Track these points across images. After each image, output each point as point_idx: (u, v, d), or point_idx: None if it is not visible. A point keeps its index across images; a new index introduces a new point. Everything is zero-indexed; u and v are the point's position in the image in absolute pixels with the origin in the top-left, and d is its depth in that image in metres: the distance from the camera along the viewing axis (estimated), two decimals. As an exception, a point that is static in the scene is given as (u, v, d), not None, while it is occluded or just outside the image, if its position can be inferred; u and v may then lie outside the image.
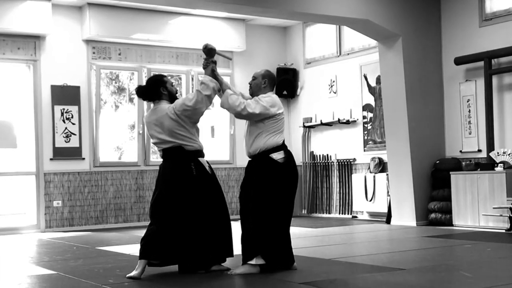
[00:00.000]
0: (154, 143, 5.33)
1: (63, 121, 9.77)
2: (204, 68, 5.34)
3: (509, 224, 7.93)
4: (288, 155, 5.27)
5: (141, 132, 10.41)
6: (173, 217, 5.11)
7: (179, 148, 5.15)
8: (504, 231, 7.94)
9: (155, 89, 5.25)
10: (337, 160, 10.88)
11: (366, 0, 8.72)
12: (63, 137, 9.76)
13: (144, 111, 10.37)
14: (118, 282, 4.92)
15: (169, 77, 5.54)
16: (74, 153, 9.81)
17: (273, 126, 5.24)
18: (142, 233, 8.09)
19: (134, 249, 6.83)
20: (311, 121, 11.34)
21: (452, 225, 8.70)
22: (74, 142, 9.82)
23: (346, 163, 10.73)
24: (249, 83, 5.46)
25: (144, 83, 5.62)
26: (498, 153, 8.38)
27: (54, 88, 9.76)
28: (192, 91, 8.69)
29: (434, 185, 9.18)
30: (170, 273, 5.27)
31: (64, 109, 9.79)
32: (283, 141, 5.31)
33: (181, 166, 5.16)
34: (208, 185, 5.24)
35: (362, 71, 10.48)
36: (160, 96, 5.25)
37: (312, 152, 11.38)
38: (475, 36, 8.96)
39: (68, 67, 9.91)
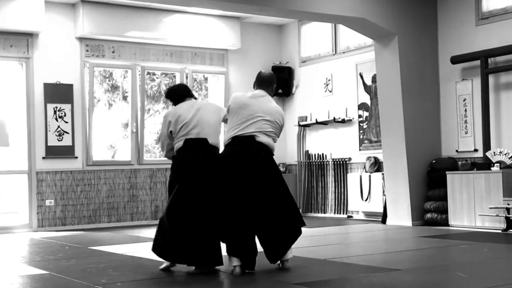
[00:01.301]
0: (183, 128, 5.36)
1: (56, 119, 9.70)
2: None
3: (505, 224, 7.89)
4: (227, 151, 5.26)
5: (134, 130, 10.34)
6: (192, 211, 5.16)
7: (204, 140, 5.36)
8: (500, 231, 7.90)
9: (190, 90, 5.76)
10: (333, 159, 10.84)
11: (362, -2, 8.69)
12: (56, 135, 9.69)
13: (137, 109, 10.31)
14: (111, 282, 4.87)
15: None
16: (66, 152, 9.75)
17: (230, 121, 5.38)
18: (136, 232, 8.00)
19: (127, 249, 6.78)
20: (306, 120, 11.29)
21: (448, 225, 8.66)
22: (67, 141, 9.75)
23: (341, 162, 10.68)
24: None
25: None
26: (494, 152, 8.34)
27: (47, 86, 9.68)
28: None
29: (430, 185, 9.13)
30: (168, 273, 5.23)
31: (57, 107, 9.72)
32: (234, 137, 5.24)
33: (204, 156, 5.34)
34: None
35: (357, 70, 10.43)
36: (191, 96, 5.70)
37: (307, 151, 11.33)
38: (471, 35, 8.92)
39: (61, 65, 9.83)
